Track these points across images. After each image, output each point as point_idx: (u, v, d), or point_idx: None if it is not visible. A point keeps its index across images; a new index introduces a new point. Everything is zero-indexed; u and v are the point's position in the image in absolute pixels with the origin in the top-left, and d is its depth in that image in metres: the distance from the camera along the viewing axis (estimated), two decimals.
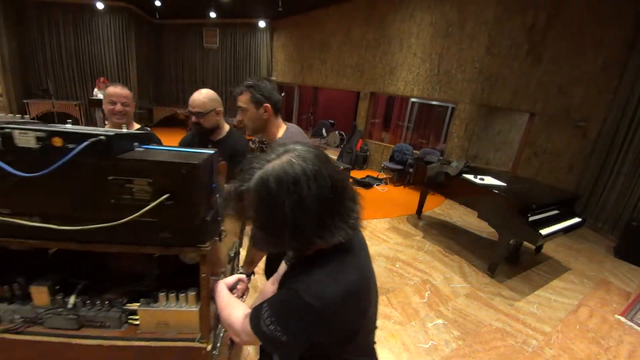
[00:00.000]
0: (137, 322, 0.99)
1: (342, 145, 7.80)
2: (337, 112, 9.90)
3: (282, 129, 1.48)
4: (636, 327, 2.73)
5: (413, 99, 7.03)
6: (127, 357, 0.98)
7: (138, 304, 0.98)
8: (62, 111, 7.95)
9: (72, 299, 0.99)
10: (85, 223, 0.83)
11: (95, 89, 6.74)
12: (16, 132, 0.76)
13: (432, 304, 2.78)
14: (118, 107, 1.79)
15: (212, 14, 8.12)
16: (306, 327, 0.71)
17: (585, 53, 4.53)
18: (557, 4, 4.60)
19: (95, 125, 6.91)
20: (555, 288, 3.20)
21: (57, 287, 0.99)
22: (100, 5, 7.61)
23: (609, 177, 4.54)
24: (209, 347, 0.99)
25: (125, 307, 1.00)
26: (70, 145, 0.76)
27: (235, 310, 0.87)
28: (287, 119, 9.43)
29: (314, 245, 0.71)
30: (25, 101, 7.69)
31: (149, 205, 0.81)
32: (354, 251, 0.77)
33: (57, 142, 0.77)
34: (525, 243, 3.59)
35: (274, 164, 0.68)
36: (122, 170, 0.80)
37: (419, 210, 4.52)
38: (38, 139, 0.76)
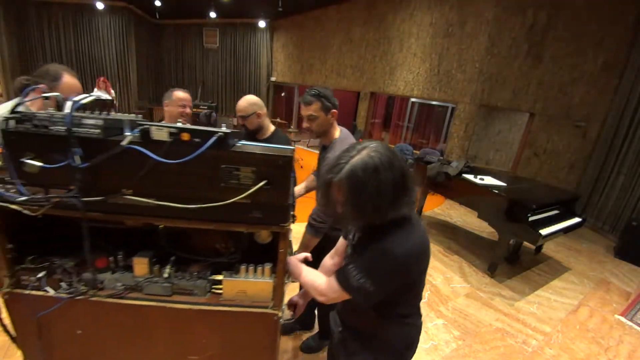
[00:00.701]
0: (219, 291, 1.16)
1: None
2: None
3: (337, 130, 1.73)
4: (636, 327, 2.73)
5: (413, 99, 7.03)
6: (210, 320, 1.16)
7: (222, 276, 1.15)
8: None
9: (167, 270, 1.17)
10: (195, 203, 0.99)
11: (95, 89, 6.74)
12: (153, 127, 0.92)
13: (432, 304, 2.77)
14: (187, 110, 2.10)
15: (212, 14, 8.12)
16: (390, 276, 0.94)
17: (585, 53, 4.53)
18: (557, 4, 4.60)
19: None
20: (555, 288, 3.20)
21: (154, 259, 1.16)
22: (100, 5, 7.61)
23: (609, 177, 4.54)
24: (280, 314, 1.15)
25: (211, 278, 1.17)
26: (196, 139, 0.92)
27: (316, 277, 1.11)
28: (287, 119, 9.46)
29: (388, 217, 0.91)
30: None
31: (250, 189, 0.97)
32: (414, 221, 0.99)
33: (185, 136, 0.93)
34: (525, 243, 3.59)
35: (357, 158, 0.88)
36: (232, 160, 0.96)
37: (419, 210, 4.52)
38: (170, 133, 0.92)
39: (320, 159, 1.80)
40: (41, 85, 1.42)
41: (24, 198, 0.97)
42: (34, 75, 1.56)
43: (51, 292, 1.12)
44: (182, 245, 1.27)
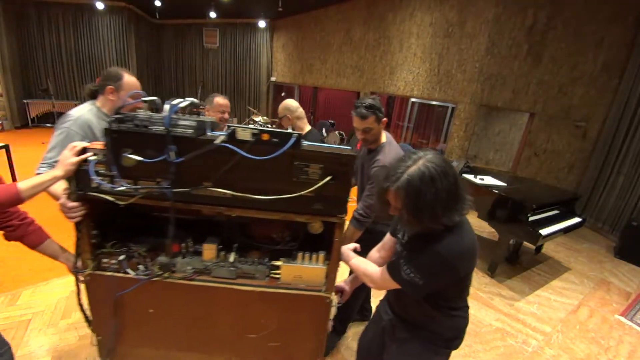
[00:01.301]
0: (277, 275, 1.30)
1: (342, 145, 7.78)
2: (337, 112, 9.89)
3: (384, 135, 1.88)
4: (636, 327, 2.73)
5: (413, 99, 7.02)
6: (269, 302, 1.29)
7: (280, 262, 1.28)
8: (62, 111, 7.96)
9: (232, 256, 1.32)
10: (267, 195, 1.13)
11: None
12: (239, 129, 1.06)
13: None
14: (226, 115, 2.29)
15: (212, 14, 8.11)
16: (438, 275, 1.04)
17: (585, 53, 4.53)
18: (557, 4, 4.60)
19: None
20: (555, 288, 3.20)
21: (220, 246, 1.31)
22: (100, 5, 7.61)
23: (609, 177, 4.54)
24: (331, 297, 1.29)
25: (270, 264, 1.31)
26: (275, 139, 1.07)
27: (368, 266, 1.23)
28: None
29: (441, 223, 0.99)
30: (25, 101, 7.70)
31: (317, 184, 1.11)
32: (465, 224, 1.08)
33: (265, 137, 1.07)
34: (525, 243, 3.59)
35: (414, 168, 0.96)
36: (304, 157, 1.10)
37: None
38: (253, 134, 1.06)
39: (366, 161, 1.91)
40: (141, 92, 1.69)
41: (122, 188, 1.11)
42: (100, 81, 1.74)
43: (132, 273, 1.27)
44: (244, 235, 1.43)
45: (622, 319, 2.82)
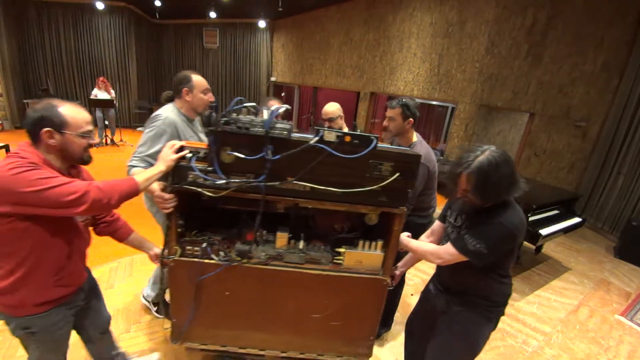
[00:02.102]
0: (340, 261, 1.46)
1: None
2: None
3: (414, 135, 2.06)
4: (636, 327, 2.73)
5: None
6: (332, 284, 1.45)
7: (343, 249, 1.44)
8: None
9: (301, 243, 1.48)
10: (341, 189, 1.29)
11: (95, 89, 6.74)
12: (325, 132, 1.22)
13: None
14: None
15: (212, 14, 8.12)
16: (501, 242, 1.25)
17: (585, 53, 4.53)
18: (557, 4, 4.60)
19: (95, 125, 6.91)
20: (555, 288, 3.20)
21: (290, 235, 1.47)
22: (100, 5, 7.61)
23: (609, 177, 4.54)
24: (388, 280, 1.46)
25: (335, 250, 1.47)
26: (355, 141, 1.24)
27: (428, 246, 1.44)
28: (287, 119, 9.44)
29: (500, 200, 1.25)
30: (25, 101, 7.69)
31: (388, 179, 1.29)
32: (515, 203, 1.30)
33: (348, 138, 1.24)
34: (525, 243, 3.59)
35: (483, 157, 1.21)
36: (379, 157, 1.26)
37: None
38: (337, 136, 1.23)
39: None
40: (246, 99, 1.92)
41: (222, 182, 1.27)
42: (173, 87, 1.93)
43: (216, 259, 1.42)
44: (310, 225, 1.63)
45: (622, 319, 2.82)
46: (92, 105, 6.88)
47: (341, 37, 7.49)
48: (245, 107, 1.34)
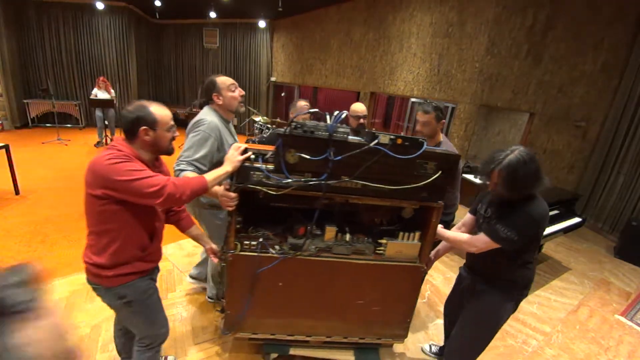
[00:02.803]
0: (381, 251, 1.64)
1: None
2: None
3: (441, 135, 2.21)
4: (636, 327, 2.73)
5: (413, 99, 7.02)
6: (375, 272, 1.63)
7: (385, 240, 1.62)
8: (62, 111, 7.95)
9: (347, 236, 1.64)
10: (390, 186, 1.46)
11: (95, 89, 6.73)
12: (381, 135, 1.38)
13: (432, 304, 2.77)
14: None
15: (212, 14, 8.11)
16: (529, 229, 1.43)
17: (585, 53, 4.53)
18: (557, 4, 4.59)
19: (95, 124, 6.90)
20: (555, 288, 3.20)
21: (337, 228, 1.63)
22: (100, 5, 7.61)
23: (609, 177, 4.53)
24: (425, 267, 1.66)
25: (378, 241, 1.65)
26: (406, 143, 1.40)
27: (463, 236, 1.61)
28: (287, 119, 9.44)
29: (526, 194, 1.42)
30: (25, 101, 7.69)
31: (432, 177, 1.45)
32: (539, 195, 1.48)
33: (399, 141, 1.39)
34: None
35: (512, 155, 1.39)
36: (425, 157, 1.42)
37: None
38: (390, 139, 1.39)
39: None
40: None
41: (288, 181, 1.41)
42: (204, 95, 2.03)
43: (273, 252, 1.56)
44: (353, 219, 1.77)
45: (622, 319, 2.82)
46: (92, 105, 6.87)
47: (341, 37, 7.49)
48: (310, 112, 1.52)
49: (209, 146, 1.79)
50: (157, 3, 7.36)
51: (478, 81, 5.44)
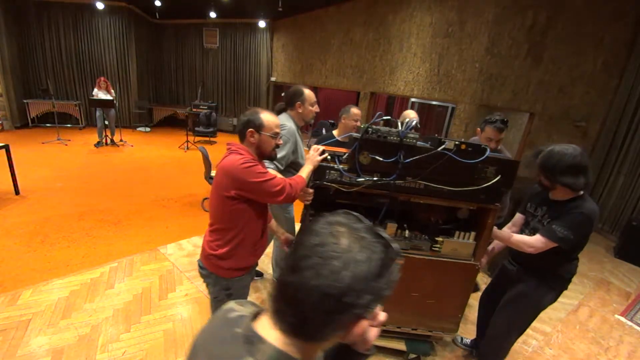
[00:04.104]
0: (437, 248, 1.75)
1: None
2: (337, 112, 9.86)
3: (500, 143, 2.34)
4: (636, 327, 2.73)
5: (413, 99, 7.02)
6: (430, 268, 1.73)
7: (441, 238, 1.72)
8: (62, 111, 7.95)
9: (406, 232, 1.76)
10: (451, 187, 1.58)
11: (95, 89, 6.73)
12: (447, 141, 1.51)
13: None
14: (358, 123, 2.64)
15: (212, 14, 8.11)
16: (585, 228, 1.51)
17: (585, 53, 4.53)
18: (557, 4, 4.59)
19: (95, 124, 6.90)
20: None
21: (397, 225, 1.76)
22: (100, 5, 7.61)
23: (609, 177, 4.54)
24: (479, 265, 1.76)
25: (434, 239, 1.76)
26: (469, 148, 1.52)
27: (521, 237, 1.66)
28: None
29: (570, 186, 1.51)
30: (25, 101, 7.69)
31: (491, 181, 1.55)
32: (588, 196, 1.57)
33: (463, 146, 1.52)
34: None
35: (555, 146, 1.56)
36: (486, 161, 1.52)
37: None
38: (455, 144, 1.52)
39: None
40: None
41: (361, 179, 1.58)
42: (287, 101, 2.23)
43: None
44: (410, 218, 1.90)
45: (622, 319, 2.82)
46: (92, 105, 6.87)
47: (341, 37, 7.49)
48: (383, 119, 1.69)
49: (287, 148, 2.02)
50: (157, 3, 7.36)
51: (478, 81, 5.44)
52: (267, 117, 1.48)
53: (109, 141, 7.00)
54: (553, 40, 4.71)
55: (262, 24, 8.61)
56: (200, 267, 1.60)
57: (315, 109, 2.30)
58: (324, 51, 7.93)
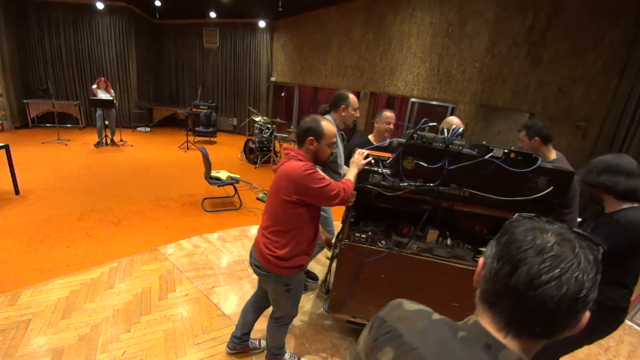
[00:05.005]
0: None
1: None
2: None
3: (553, 153, 2.21)
4: (636, 327, 2.73)
5: (413, 99, 7.02)
6: (473, 277, 1.47)
7: (484, 248, 1.60)
8: (62, 111, 7.95)
9: (448, 240, 1.75)
10: (498, 196, 1.56)
11: (94, 85, 6.73)
12: (495, 149, 1.48)
13: None
14: (391, 126, 2.63)
15: (212, 14, 8.12)
16: (618, 238, 1.36)
17: (585, 53, 4.53)
18: (557, 4, 4.59)
19: (95, 124, 6.90)
20: None
21: (439, 232, 1.75)
22: (100, 5, 7.61)
23: None
24: None
25: (479, 249, 1.74)
26: (519, 157, 1.48)
27: None
28: (287, 119, 9.45)
29: (621, 195, 1.43)
30: (25, 101, 7.69)
31: (542, 192, 1.49)
32: (638, 207, 1.47)
33: (513, 155, 1.47)
34: None
35: (608, 156, 1.50)
36: (537, 171, 1.47)
37: None
38: (504, 152, 1.48)
39: None
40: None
41: (404, 184, 1.60)
42: (332, 103, 2.32)
43: (381, 246, 1.74)
44: (453, 226, 1.87)
45: None
46: (92, 105, 6.88)
47: (341, 37, 7.49)
48: (428, 125, 1.66)
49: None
50: (157, 3, 7.37)
51: (478, 81, 5.44)
52: (327, 126, 1.58)
53: (109, 141, 7.00)
54: (553, 40, 4.71)
55: (262, 24, 8.61)
56: (258, 267, 1.68)
57: (357, 113, 2.36)
58: (324, 51, 7.94)
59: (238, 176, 4.38)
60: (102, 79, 6.80)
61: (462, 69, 5.62)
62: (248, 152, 6.79)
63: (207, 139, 8.43)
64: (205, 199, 4.41)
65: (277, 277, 1.64)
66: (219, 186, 4.21)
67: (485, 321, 0.57)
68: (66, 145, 6.68)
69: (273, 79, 9.21)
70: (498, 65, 5.22)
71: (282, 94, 9.47)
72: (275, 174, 1.64)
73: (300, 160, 1.54)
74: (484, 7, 5.19)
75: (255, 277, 2.91)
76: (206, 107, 8.62)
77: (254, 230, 3.83)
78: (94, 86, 6.62)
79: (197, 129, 8.28)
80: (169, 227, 3.60)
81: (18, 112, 7.63)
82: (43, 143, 6.63)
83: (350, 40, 7.34)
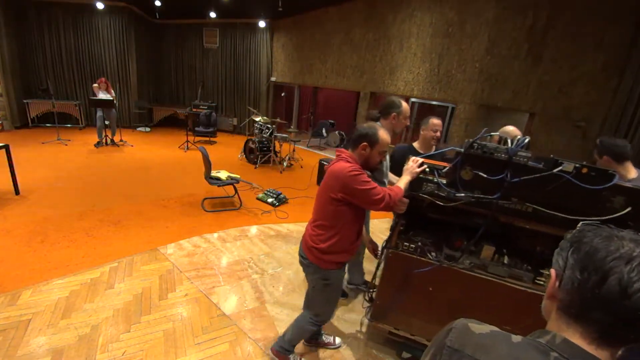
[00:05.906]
0: (542, 283, 1.54)
1: (342, 145, 7.79)
2: (337, 112, 9.88)
3: (632, 172, 2.00)
4: None
5: (413, 99, 7.02)
6: (532, 301, 1.48)
7: (547, 271, 1.53)
8: (62, 111, 7.95)
9: (505, 258, 1.62)
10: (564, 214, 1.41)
11: (96, 84, 6.73)
12: (565, 163, 1.35)
13: None
14: (438, 134, 2.57)
15: (212, 14, 8.12)
16: None
17: (585, 53, 4.53)
18: (557, 4, 4.59)
19: (95, 124, 6.90)
20: None
21: (495, 248, 1.63)
22: (100, 5, 7.61)
23: None
24: None
25: (540, 271, 1.58)
26: (592, 173, 1.34)
27: None
28: (287, 119, 9.45)
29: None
30: (25, 101, 7.69)
31: (619, 212, 1.35)
32: None
33: (585, 170, 1.34)
34: None
35: None
36: (613, 190, 1.34)
37: None
38: (575, 167, 1.34)
39: None
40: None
41: (461, 195, 1.53)
42: (382, 110, 2.28)
43: (430, 258, 1.67)
44: (510, 243, 1.74)
45: None
46: (92, 105, 6.88)
47: (341, 37, 7.49)
48: (489, 135, 1.61)
49: None
50: (157, 3, 7.37)
51: (478, 81, 5.44)
52: (383, 136, 1.62)
53: (109, 141, 7.00)
54: (553, 40, 4.71)
55: (262, 24, 8.61)
56: (302, 257, 1.77)
57: (407, 122, 2.33)
58: (324, 51, 7.94)
59: (238, 176, 4.38)
60: (103, 79, 6.80)
61: (462, 69, 5.62)
62: (248, 152, 6.79)
63: (207, 139, 8.43)
64: (205, 199, 4.41)
65: (317, 268, 1.72)
66: (219, 186, 4.21)
67: (574, 336, 0.55)
68: (66, 145, 6.67)
69: (273, 78, 9.21)
70: (498, 65, 5.22)
71: (282, 94, 9.46)
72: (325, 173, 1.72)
73: (349, 162, 1.59)
74: (484, 7, 5.19)
75: (255, 277, 2.91)
76: (206, 107, 8.62)
77: (254, 230, 3.83)
78: (95, 85, 6.62)
79: (197, 129, 8.29)
80: (169, 227, 3.60)
81: (18, 112, 7.63)
82: (43, 143, 6.63)
83: (350, 40, 7.34)
